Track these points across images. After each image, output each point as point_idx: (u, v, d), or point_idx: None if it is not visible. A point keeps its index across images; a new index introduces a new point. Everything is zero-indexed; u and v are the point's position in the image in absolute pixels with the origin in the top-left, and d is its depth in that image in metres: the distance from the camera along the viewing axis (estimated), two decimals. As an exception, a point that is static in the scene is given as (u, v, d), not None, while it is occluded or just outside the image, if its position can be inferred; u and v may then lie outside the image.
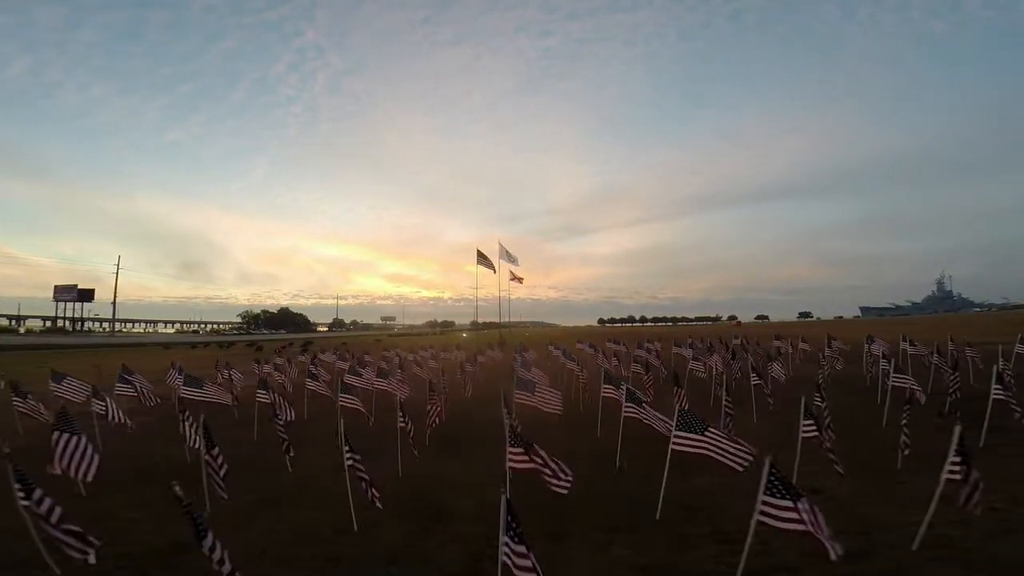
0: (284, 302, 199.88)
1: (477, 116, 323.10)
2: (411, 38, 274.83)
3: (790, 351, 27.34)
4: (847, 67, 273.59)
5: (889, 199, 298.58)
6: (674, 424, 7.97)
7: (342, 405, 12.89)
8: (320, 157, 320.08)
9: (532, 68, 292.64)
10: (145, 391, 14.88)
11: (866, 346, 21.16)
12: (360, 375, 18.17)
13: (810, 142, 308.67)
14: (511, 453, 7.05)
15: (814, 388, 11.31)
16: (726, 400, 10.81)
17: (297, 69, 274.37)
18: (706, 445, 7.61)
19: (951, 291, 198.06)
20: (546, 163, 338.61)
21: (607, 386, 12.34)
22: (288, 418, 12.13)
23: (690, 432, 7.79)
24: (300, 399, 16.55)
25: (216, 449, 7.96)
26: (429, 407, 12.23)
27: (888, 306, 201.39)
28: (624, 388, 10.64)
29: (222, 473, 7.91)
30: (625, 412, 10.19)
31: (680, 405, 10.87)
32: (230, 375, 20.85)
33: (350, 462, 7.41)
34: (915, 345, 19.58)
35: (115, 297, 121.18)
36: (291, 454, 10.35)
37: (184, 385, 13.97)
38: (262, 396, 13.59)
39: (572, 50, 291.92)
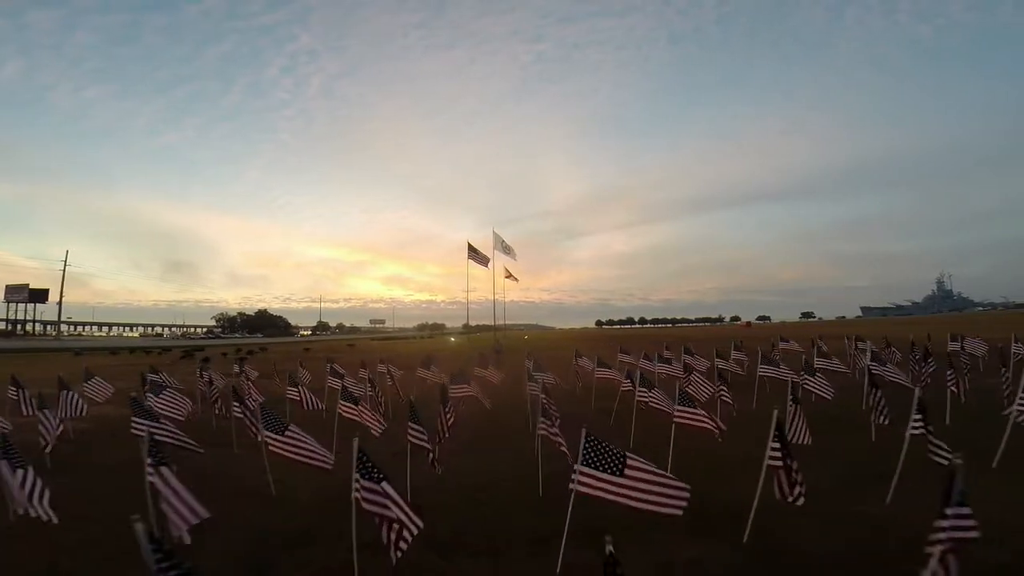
0: (275, 305, 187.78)
1: (471, 120, 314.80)
2: (405, 42, 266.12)
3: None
4: (838, 70, 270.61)
5: (887, 200, 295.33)
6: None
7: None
8: (314, 160, 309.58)
9: (526, 71, 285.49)
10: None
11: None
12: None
13: (805, 144, 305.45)
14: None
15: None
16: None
17: (291, 73, 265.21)
18: None
19: (951, 290, 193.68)
20: (540, 166, 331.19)
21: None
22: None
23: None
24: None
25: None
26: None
27: (889, 306, 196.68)
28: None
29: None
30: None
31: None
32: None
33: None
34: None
35: (61, 297, 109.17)
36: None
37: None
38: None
39: (565, 54, 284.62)
